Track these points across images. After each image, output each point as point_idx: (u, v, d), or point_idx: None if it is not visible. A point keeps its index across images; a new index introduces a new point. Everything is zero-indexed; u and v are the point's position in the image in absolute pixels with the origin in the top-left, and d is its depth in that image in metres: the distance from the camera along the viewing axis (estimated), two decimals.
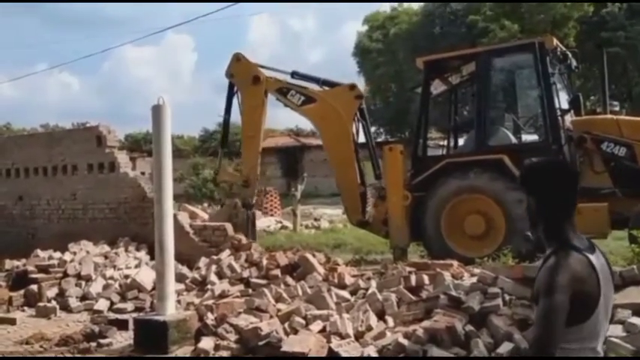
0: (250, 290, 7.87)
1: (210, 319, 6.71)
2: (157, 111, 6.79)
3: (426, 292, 7.04)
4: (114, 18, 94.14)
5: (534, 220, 2.28)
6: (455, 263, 7.50)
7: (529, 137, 9.55)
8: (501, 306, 5.80)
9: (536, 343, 2.04)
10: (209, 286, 8.20)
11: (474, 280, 6.55)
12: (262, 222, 16.19)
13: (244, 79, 10.48)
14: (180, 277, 8.34)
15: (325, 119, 10.25)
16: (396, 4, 35.92)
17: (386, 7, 38.21)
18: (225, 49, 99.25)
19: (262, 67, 10.63)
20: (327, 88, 10.48)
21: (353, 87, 10.41)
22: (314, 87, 10.58)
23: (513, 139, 9.32)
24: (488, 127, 9.09)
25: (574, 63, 9.60)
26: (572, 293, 2.01)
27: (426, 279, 7.16)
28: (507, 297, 6.02)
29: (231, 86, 10.70)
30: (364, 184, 10.27)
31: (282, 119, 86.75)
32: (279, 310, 6.91)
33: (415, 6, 34.61)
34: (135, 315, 7.52)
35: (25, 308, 8.23)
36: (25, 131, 39.12)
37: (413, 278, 7.17)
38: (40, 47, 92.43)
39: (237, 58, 10.53)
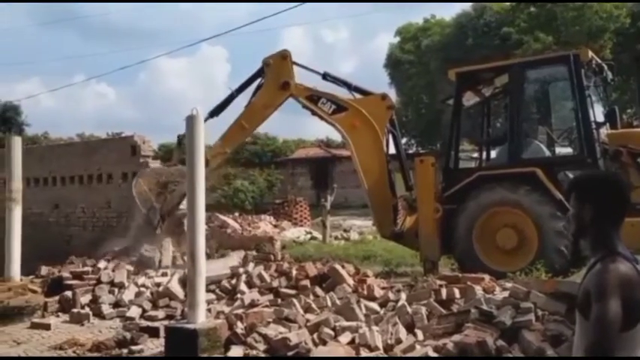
0: (279, 300, 7.89)
1: (239, 328, 6.74)
2: (191, 121, 6.89)
3: (456, 306, 6.97)
4: (148, 30, 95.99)
5: (584, 228, 2.29)
6: (486, 277, 7.41)
7: (563, 150, 9.41)
8: (534, 321, 5.71)
9: (593, 348, 2.02)
10: (239, 295, 8.25)
11: (506, 294, 6.47)
12: (292, 232, 16.26)
13: (275, 76, 10.22)
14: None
15: (357, 129, 10.06)
16: (428, 16, 35.85)
17: (418, 19, 38.03)
18: (258, 60, 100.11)
19: (300, 65, 10.39)
20: (357, 94, 10.30)
21: (384, 97, 10.31)
22: (344, 92, 10.35)
23: (547, 152, 9.20)
24: (521, 140, 8.98)
25: (610, 75, 9.44)
26: (622, 299, 2.00)
27: (456, 292, 7.09)
28: (540, 312, 5.93)
29: (259, 72, 10.40)
30: (395, 196, 10.18)
31: (312, 130, 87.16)
32: (308, 321, 6.90)
33: (447, 17, 34.49)
34: (166, 322, 7.60)
35: (60, 314, 8.37)
36: (62, 140, 40.01)
37: (443, 291, 7.10)
38: (78, 59, 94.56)
39: (284, 56, 10.27)
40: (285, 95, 10.27)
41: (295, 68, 10.38)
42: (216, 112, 10.42)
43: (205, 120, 9.84)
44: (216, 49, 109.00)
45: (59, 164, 12.59)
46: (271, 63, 10.28)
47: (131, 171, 11.28)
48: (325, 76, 10.39)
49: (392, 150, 10.44)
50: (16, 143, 8.52)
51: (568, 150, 9.33)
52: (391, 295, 7.54)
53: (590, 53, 8.82)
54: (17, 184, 8.42)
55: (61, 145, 15.98)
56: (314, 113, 10.28)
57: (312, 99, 10.22)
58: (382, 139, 10.05)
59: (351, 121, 10.08)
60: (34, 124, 46.96)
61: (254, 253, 10.91)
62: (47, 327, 7.69)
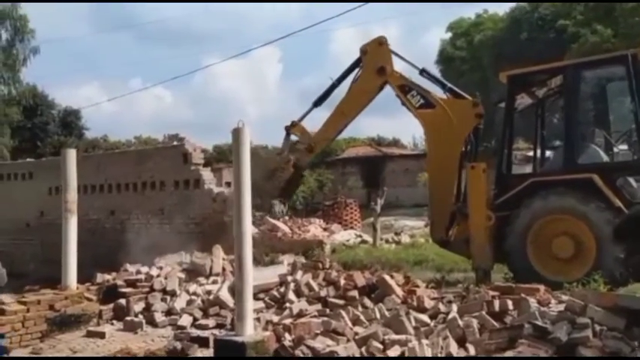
0: (328, 310, 7.85)
1: (287, 340, 6.74)
2: (236, 134, 6.92)
3: (510, 318, 6.78)
4: (202, 33, 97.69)
5: None
6: (541, 288, 7.17)
7: (622, 155, 9.02)
8: (591, 337, 5.49)
9: None
10: (287, 305, 8.26)
11: (562, 307, 6.24)
12: (341, 235, 16.20)
13: (372, 62, 10.30)
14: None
15: (438, 128, 9.93)
16: (480, 11, 35.12)
17: (470, 14, 37.38)
18: (310, 60, 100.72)
19: (397, 55, 10.42)
20: (450, 95, 10.17)
21: (476, 104, 10.00)
22: (439, 91, 10.30)
23: (605, 157, 8.83)
24: (577, 144, 8.66)
25: None
26: None
27: (510, 304, 6.89)
28: (598, 327, 5.70)
29: (357, 62, 10.54)
30: (457, 203, 9.92)
31: (363, 128, 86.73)
32: (356, 334, 6.84)
33: (501, 12, 33.70)
34: (216, 331, 7.67)
35: (114, 322, 8.56)
36: (120, 143, 41.17)
37: (496, 303, 6.92)
38: (136, 63, 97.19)
39: (380, 42, 10.36)
40: (382, 80, 10.30)
41: (394, 58, 10.43)
42: (319, 102, 10.85)
43: (310, 110, 10.92)
44: (268, 49, 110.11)
45: (114, 172, 12.92)
46: (368, 50, 10.40)
47: (182, 178, 11.48)
48: (422, 72, 10.32)
49: None
50: (70, 155, 8.76)
51: (627, 154, 8.93)
52: (442, 307, 7.39)
53: None
54: (72, 194, 8.66)
55: (116, 153, 16.43)
56: (403, 103, 10.26)
57: (404, 89, 10.18)
58: (460, 144, 9.85)
59: (434, 119, 9.95)
60: (93, 127, 48.42)
61: (302, 260, 10.92)
62: (102, 335, 7.86)
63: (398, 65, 10.43)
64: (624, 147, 9.15)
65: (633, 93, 8.11)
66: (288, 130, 11.05)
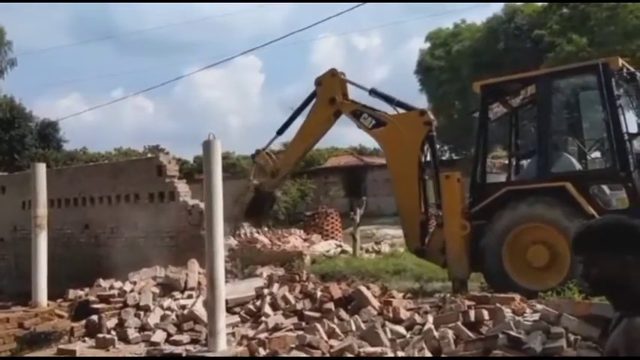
0: (304, 323, 7.78)
1: (262, 355, 6.66)
2: (207, 146, 6.85)
3: (485, 328, 6.77)
4: (183, 43, 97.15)
5: (620, 285, 2.02)
6: (517, 297, 7.17)
7: (595, 163, 9.08)
8: (565, 347, 5.49)
9: None
10: (263, 318, 8.17)
11: (536, 317, 6.24)
12: (322, 246, 16.07)
13: (325, 93, 10.83)
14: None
15: (392, 143, 10.26)
16: (458, 21, 35.41)
17: (448, 24, 37.61)
18: (291, 70, 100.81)
19: (350, 82, 10.95)
20: (400, 109, 10.53)
21: (423, 113, 10.31)
22: (388, 108, 10.71)
23: (578, 166, 8.88)
24: (550, 153, 8.69)
25: None
26: None
27: (485, 314, 6.89)
28: (572, 337, 5.69)
29: (314, 93, 11.06)
30: (426, 212, 10.07)
31: (346, 137, 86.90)
32: (331, 347, 6.78)
33: (478, 22, 34.01)
34: (190, 347, 7.56)
35: (86, 339, 8.40)
36: (99, 155, 40.76)
37: (472, 313, 6.91)
38: (117, 74, 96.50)
39: (332, 74, 10.87)
40: (334, 110, 10.82)
41: (348, 85, 11.02)
42: (281, 131, 11.62)
43: (273, 139, 11.84)
44: (249, 59, 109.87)
45: (89, 185, 12.73)
46: (322, 81, 10.92)
47: (157, 191, 11.38)
48: (371, 92, 10.76)
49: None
50: (40, 170, 8.63)
51: (600, 163, 8.99)
52: (418, 318, 7.37)
53: (621, 61, 8.48)
54: (42, 209, 8.52)
55: (90, 166, 16.16)
56: (358, 127, 10.70)
57: (356, 114, 10.60)
58: (416, 155, 10.04)
59: (387, 136, 10.31)
60: (73, 139, 47.81)
61: (281, 271, 10.84)
62: (73, 353, 7.71)
63: (353, 91, 11.01)
64: (597, 155, 9.22)
65: (605, 102, 8.16)
66: (254, 157, 12.00)
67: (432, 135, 10.11)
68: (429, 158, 10.31)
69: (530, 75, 9.48)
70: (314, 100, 11.04)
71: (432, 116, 10.34)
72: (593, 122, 9.26)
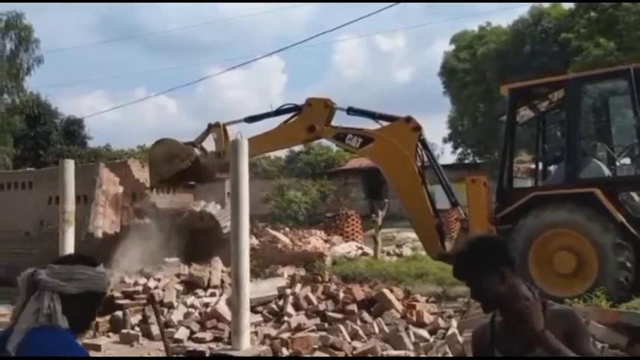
0: (326, 324, 7.78)
1: (284, 355, 6.66)
2: (235, 145, 6.89)
3: None
4: (206, 44, 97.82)
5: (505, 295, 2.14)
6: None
7: (624, 169, 8.93)
8: None
9: None
10: (286, 318, 8.18)
11: None
12: (342, 247, 16.07)
13: (308, 118, 10.58)
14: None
15: (385, 157, 10.15)
16: (484, 24, 35.14)
17: (474, 27, 37.28)
18: (313, 71, 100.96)
19: (338, 109, 10.70)
20: (383, 122, 10.36)
21: (409, 119, 10.17)
22: (370, 123, 10.56)
23: (607, 172, 8.74)
24: (578, 159, 8.57)
25: None
26: None
27: None
28: (599, 345, 5.61)
29: (300, 107, 10.77)
30: (438, 216, 9.97)
31: None
32: (354, 349, 6.78)
33: (504, 25, 33.71)
34: (213, 345, 7.59)
35: (110, 334, 8.49)
36: (123, 152, 41.15)
37: None
38: (140, 73, 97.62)
39: (326, 105, 10.60)
40: (309, 136, 10.78)
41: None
42: (251, 120, 11.17)
43: (239, 121, 11.15)
44: (272, 60, 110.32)
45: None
46: (312, 105, 10.70)
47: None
48: (349, 111, 10.64)
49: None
50: (69, 166, 8.73)
51: (630, 169, 8.85)
52: (441, 322, 7.34)
53: None
54: (70, 205, 8.62)
55: (116, 164, 16.30)
56: (346, 150, 10.52)
57: (340, 137, 10.49)
58: (413, 162, 9.94)
59: (379, 151, 10.20)
60: (96, 136, 48.34)
61: (302, 272, 10.85)
62: (98, 348, 7.79)
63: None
64: (627, 161, 9.07)
65: (636, 107, 8.00)
66: (210, 127, 11.21)
67: (423, 139, 10.07)
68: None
69: (559, 79, 9.33)
70: (296, 114, 10.81)
71: (417, 121, 10.15)
72: (623, 128, 9.12)
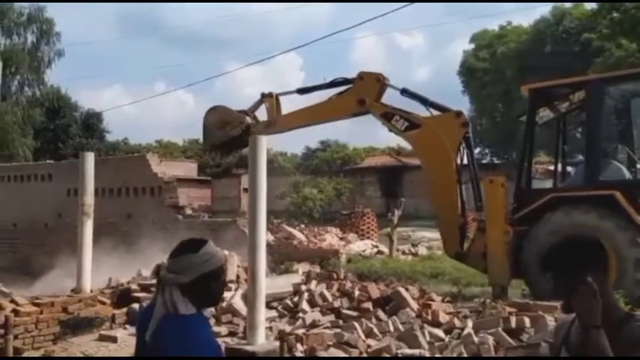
0: (341, 322, 7.77)
1: (299, 351, 6.67)
2: (254, 142, 6.90)
3: (526, 336, 6.66)
4: (226, 38, 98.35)
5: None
6: (559, 306, 7.02)
7: None
8: None
9: None
10: (300, 314, 8.19)
11: None
12: (358, 245, 16.08)
13: (360, 91, 10.42)
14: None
15: (428, 147, 9.97)
16: (504, 23, 34.91)
17: (494, 26, 37.11)
18: (331, 68, 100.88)
19: (390, 86, 10.59)
20: (433, 110, 10.19)
21: (459, 114, 10.01)
22: (420, 108, 10.36)
23: (627, 174, 8.65)
24: (599, 160, 8.49)
25: None
26: None
27: (527, 322, 6.78)
28: None
29: (351, 80, 10.66)
30: (464, 216, 9.91)
31: (383, 138, 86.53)
32: (369, 347, 6.76)
33: (525, 24, 33.46)
34: (228, 339, 7.62)
35: (127, 326, 8.54)
36: (141, 147, 41.51)
37: (513, 320, 6.81)
38: (159, 67, 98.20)
39: (378, 79, 10.45)
40: (360, 110, 10.50)
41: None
42: (303, 91, 11.24)
43: (292, 92, 11.32)
44: (290, 56, 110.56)
45: (131, 175, 12.98)
46: (364, 78, 10.52)
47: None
48: (403, 92, 10.41)
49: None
50: (89, 159, 8.80)
51: None
52: (457, 322, 7.29)
53: None
54: (89, 198, 8.69)
55: (135, 157, 16.45)
56: (390, 130, 10.43)
57: (387, 116, 10.29)
58: (453, 158, 9.78)
59: (422, 139, 10.00)
60: (114, 130, 48.88)
61: (317, 269, 10.85)
62: (114, 339, 7.83)
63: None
64: None
65: None
66: (263, 96, 11.28)
67: (468, 137, 9.88)
68: (465, 161, 10.10)
69: (581, 80, 9.26)
70: (346, 87, 10.71)
71: (467, 117, 10.05)
72: None
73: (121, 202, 13.30)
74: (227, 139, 11.23)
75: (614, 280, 7.82)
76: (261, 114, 11.38)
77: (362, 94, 10.39)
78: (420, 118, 10.10)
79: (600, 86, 8.69)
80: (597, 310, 1.98)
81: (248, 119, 11.22)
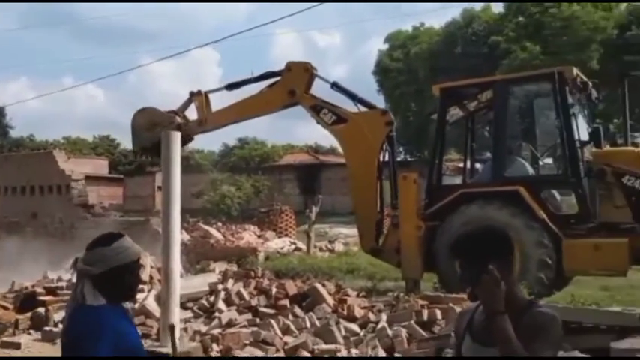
0: (258, 319, 7.74)
1: (215, 351, 6.59)
2: (167, 137, 6.73)
3: (438, 327, 6.87)
4: (142, 32, 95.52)
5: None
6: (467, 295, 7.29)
7: (547, 169, 9.33)
8: None
9: None
10: (217, 314, 8.08)
11: None
12: (275, 243, 16.08)
13: (289, 81, 10.37)
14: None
15: (353, 142, 10.10)
16: (417, 24, 35.88)
17: (407, 27, 38.07)
18: (249, 64, 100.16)
19: (319, 77, 10.60)
20: (361, 106, 10.31)
21: (385, 112, 10.27)
22: (348, 103, 10.44)
23: (530, 171, 9.10)
24: (504, 158, 8.88)
25: (594, 94, 9.36)
26: None
27: (438, 314, 7.01)
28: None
29: (279, 72, 10.58)
30: (382, 212, 10.10)
31: (300, 135, 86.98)
32: (285, 344, 6.77)
33: (437, 26, 34.54)
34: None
35: (32, 332, 8.13)
36: (47, 143, 39.63)
37: (425, 312, 7.02)
38: (68, 61, 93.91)
39: (306, 68, 10.40)
40: (290, 101, 10.45)
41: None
42: (231, 87, 11.03)
43: (220, 89, 11.09)
44: (207, 52, 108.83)
45: (37, 173, 12.39)
46: (292, 69, 10.47)
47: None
48: (333, 86, 10.48)
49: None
50: None
51: (552, 168, 9.25)
52: (372, 316, 7.43)
53: (575, 70, 8.73)
54: None
55: (41, 154, 15.72)
56: (318, 122, 10.42)
57: (316, 108, 10.31)
58: (376, 154, 9.96)
59: (348, 133, 10.12)
60: (19, 126, 46.45)
61: (235, 268, 10.75)
62: (17, 346, 7.45)
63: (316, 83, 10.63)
64: (549, 161, 9.47)
65: (558, 109, 8.39)
66: (192, 95, 11.12)
67: (392, 136, 10.08)
68: (386, 158, 10.30)
69: (488, 80, 9.66)
70: (275, 80, 10.63)
71: (392, 116, 10.26)
72: (546, 129, 9.49)
73: (25, 201, 12.66)
74: (157, 140, 10.76)
75: (519, 272, 8.22)
76: (191, 113, 11.15)
77: (291, 84, 10.36)
78: (348, 113, 10.21)
79: (506, 86, 9.09)
80: (500, 297, 2.08)
81: (178, 119, 10.95)
